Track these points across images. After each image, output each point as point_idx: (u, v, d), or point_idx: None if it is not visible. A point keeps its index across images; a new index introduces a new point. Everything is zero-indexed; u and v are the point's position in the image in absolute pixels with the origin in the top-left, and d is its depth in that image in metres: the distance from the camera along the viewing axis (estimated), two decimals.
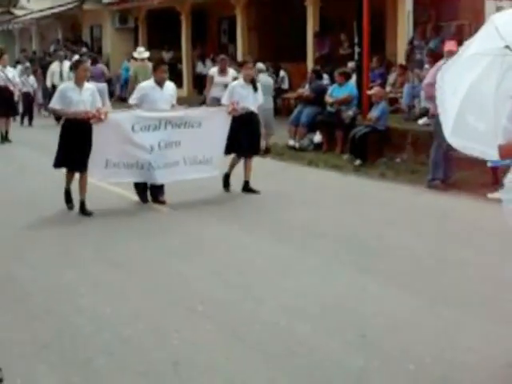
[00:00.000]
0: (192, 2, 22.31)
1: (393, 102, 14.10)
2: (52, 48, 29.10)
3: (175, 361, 4.40)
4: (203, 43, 24.54)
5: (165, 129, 8.66)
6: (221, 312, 5.27)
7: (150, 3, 23.37)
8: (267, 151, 12.68)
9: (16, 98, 16.74)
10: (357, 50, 14.00)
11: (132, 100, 9.00)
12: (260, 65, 14.06)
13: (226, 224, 8.02)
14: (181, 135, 8.79)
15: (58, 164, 8.56)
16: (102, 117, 8.23)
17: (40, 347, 4.71)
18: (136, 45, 27.21)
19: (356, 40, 14.01)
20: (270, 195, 9.45)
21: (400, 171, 11.11)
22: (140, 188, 9.06)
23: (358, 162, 11.83)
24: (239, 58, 20.23)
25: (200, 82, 19.94)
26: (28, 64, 22.25)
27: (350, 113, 12.96)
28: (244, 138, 9.31)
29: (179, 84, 19.67)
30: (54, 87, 20.22)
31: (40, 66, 23.04)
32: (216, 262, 6.59)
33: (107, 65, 24.26)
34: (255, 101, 9.63)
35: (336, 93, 13.29)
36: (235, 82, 9.90)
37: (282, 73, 18.73)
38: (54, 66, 20.67)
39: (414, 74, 13.76)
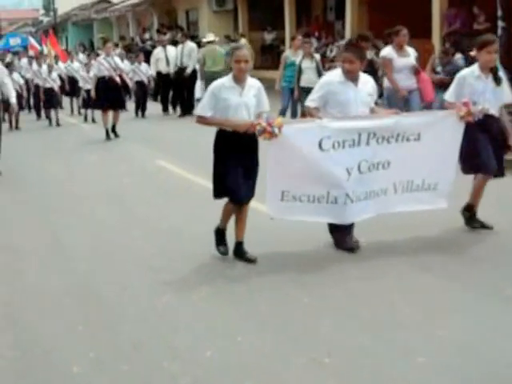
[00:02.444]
0: None
1: None
2: (150, 35, 28.03)
3: None
4: (307, 21, 22.91)
5: (367, 144, 6.14)
6: (354, 368, 4.13)
7: None
8: None
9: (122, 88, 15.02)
10: (500, 24, 12.07)
11: (310, 102, 6.30)
12: None
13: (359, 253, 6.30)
14: (391, 152, 6.25)
15: (220, 194, 6.17)
16: (276, 131, 5.85)
17: None
18: (236, 28, 25.79)
19: (499, 13, 12.06)
20: None
21: None
22: (333, 227, 6.45)
23: None
24: (347, 36, 18.51)
25: None
26: (119, 51, 21.17)
27: None
28: (484, 152, 6.55)
29: None
30: (159, 75, 18.58)
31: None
32: (354, 302, 5.20)
33: None
34: (497, 99, 6.62)
35: None
36: (466, 71, 6.77)
37: None
38: (158, 52, 18.68)
39: None
